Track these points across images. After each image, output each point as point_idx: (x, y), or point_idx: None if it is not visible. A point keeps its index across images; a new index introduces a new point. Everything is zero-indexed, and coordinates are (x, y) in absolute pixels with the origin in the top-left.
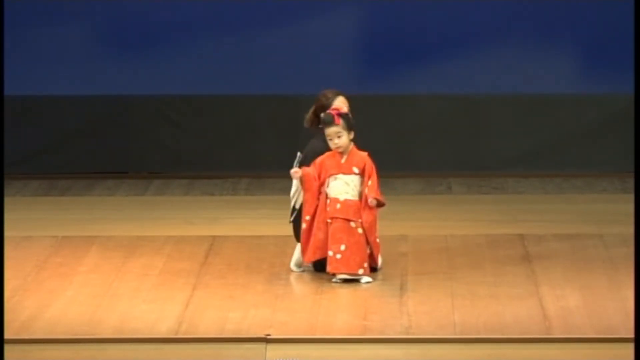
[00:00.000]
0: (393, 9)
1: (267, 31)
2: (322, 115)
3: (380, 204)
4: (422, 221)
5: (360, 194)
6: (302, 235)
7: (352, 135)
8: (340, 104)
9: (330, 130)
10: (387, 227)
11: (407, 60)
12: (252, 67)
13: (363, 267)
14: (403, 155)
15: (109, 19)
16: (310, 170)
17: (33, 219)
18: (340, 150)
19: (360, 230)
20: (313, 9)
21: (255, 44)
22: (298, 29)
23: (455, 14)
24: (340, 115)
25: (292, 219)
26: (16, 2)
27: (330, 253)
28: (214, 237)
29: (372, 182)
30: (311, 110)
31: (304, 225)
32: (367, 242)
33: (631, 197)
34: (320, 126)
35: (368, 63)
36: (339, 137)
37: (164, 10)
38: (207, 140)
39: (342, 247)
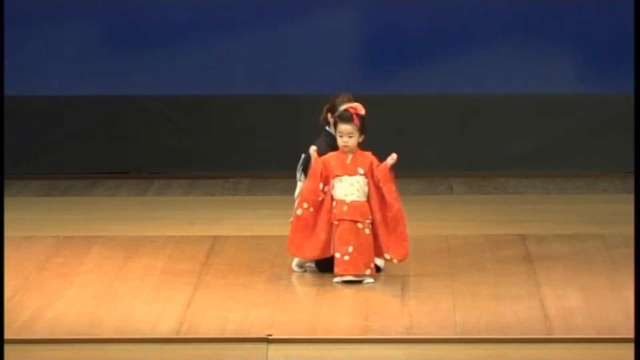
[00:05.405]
0: (393, 9)
1: (267, 31)
2: (341, 110)
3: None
4: (423, 221)
5: (367, 195)
6: (295, 222)
7: (361, 139)
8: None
9: (344, 128)
10: None
11: (407, 60)
12: (253, 67)
13: (370, 268)
14: (404, 156)
15: (109, 19)
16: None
17: (34, 219)
18: (346, 150)
19: (367, 231)
20: (313, 9)
21: (255, 44)
22: (298, 29)
23: (455, 14)
24: (358, 116)
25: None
26: (16, 2)
27: (337, 255)
28: (215, 237)
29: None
30: (325, 108)
31: (299, 212)
32: (396, 231)
33: (632, 197)
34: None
35: (368, 63)
36: (350, 137)
37: (164, 10)
38: (207, 141)
39: (350, 249)
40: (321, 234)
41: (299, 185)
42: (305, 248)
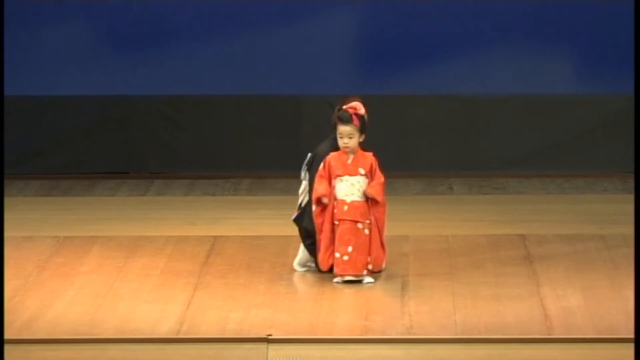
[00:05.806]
0: (393, 9)
1: (267, 31)
2: (339, 112)
3: (374, 200)
4: (424, 221)
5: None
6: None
7: (362, 138)
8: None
9: (343, 129)
10: (388, 228)
11: (407, 60)
12: (253, 67)
13: (368, 268)
14: (404, 156)
15: (110, 19)
16: (327, 185)
17: (34, 219)
18: (347, 150)
19: (366, 231)
20: (313, 9)
21: (255, 44)
22: (298, 29)
23: (455, 14)
24: (357, 115)
25: (293, 217)
26: (16, 2)
27: (337, 255)
28: (215, 237)
29: (377, 182)
30: (336, 109)
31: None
32: (380, 242)
33: (632, 197)
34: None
35: (368, 63)
36: (350, 137)
37: (164, 10)
38: (207, 140)
39: (349, 249)
40: (328, 235)
41: (304, 183)
42: (330, 258)
